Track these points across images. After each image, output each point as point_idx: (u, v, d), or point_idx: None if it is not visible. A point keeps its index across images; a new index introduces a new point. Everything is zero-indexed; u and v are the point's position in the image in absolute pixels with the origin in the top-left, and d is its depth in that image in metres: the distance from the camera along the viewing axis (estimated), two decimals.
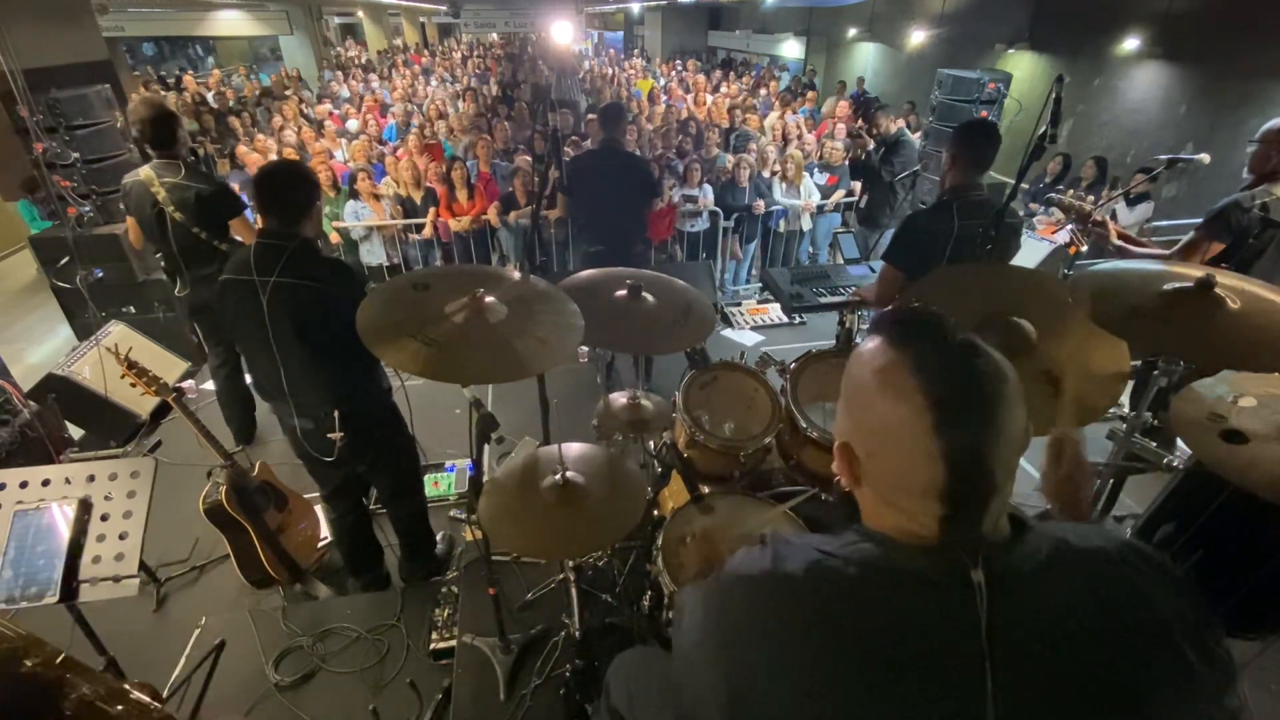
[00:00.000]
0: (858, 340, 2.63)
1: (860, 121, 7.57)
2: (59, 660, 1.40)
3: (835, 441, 0.78)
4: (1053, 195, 2.94)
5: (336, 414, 2.11)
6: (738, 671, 0.71)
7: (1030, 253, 4.62)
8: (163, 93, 9.76)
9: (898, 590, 0.69)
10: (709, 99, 9.26)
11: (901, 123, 6.62)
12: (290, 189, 2.02)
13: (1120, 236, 2.79)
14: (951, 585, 0.67)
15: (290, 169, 2.12)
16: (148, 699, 1.66)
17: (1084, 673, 0.66)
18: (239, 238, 3.06)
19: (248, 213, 3.07)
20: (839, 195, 5.78)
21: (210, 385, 4.06)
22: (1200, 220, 2.57)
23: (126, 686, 1.74)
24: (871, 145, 6.24)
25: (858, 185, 5.87)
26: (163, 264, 3.14)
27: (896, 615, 0.68)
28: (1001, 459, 0.67)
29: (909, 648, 0.67)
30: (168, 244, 2.95)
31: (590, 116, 6.99)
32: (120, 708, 1.50)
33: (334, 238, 5.10)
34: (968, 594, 0.66)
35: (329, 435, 2.13)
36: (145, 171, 2.87)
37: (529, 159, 5.46)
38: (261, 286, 1.95)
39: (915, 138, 6.36)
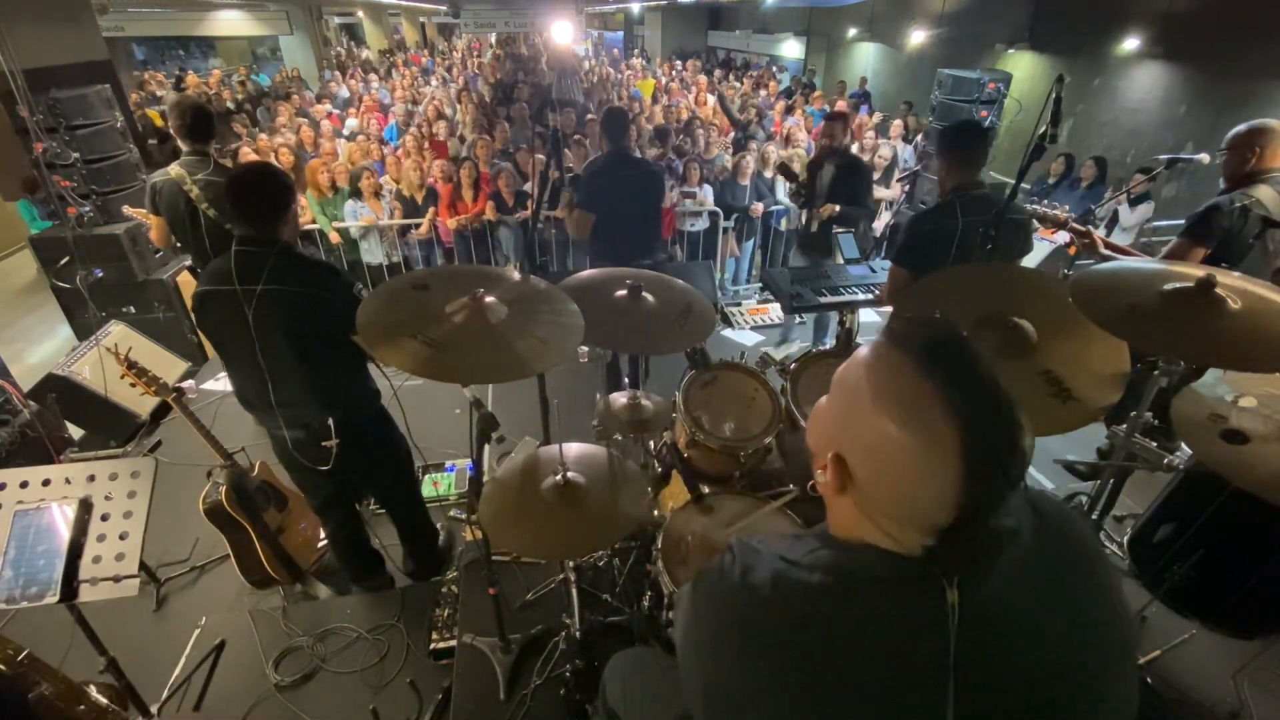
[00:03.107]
0: (859, 342, 2.63)
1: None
2: (20, 658, 1.39)
3: (822, 448, 0.74)
4: (1027, 205, 2.95)
5: (331, 422, 2.06)
6: (713, 677, 0.74)
7: (1030, 253, 4.61)
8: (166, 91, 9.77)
9: (864, 596, 0.69)
10: (711, 99, 9.26)
11: (894, 144, 6.37)
12: (264, 193, 1.92)
13: (1106, 244, 2.79)
14: (923, 600, 0.66)
15: (262, 172, 2.00)
16: (105, 701, 1.67)
17: (1055, 676, 0.68)
18: None
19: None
20: None
21: (211, 385, 4.08)
22: (1183, 226, 2.57)
23: (89, 687, 1.75)
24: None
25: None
26: (190, 262, 3.14)
27: (862, 622, 0.68)
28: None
29: (873, 656, 0.67)
30: (200, 240, 2.96)
31: (590, 117, 6.98)
32: (80, 707, 1.50)
33: (334, 238, 5.10)
34: (939, 612, 0.65)
35: (323, 444, 2.08)
36: (175, 169, 2.88)
37: (509, 166, 5.44)
38: (246, 296, 1.87)
39: (893, 145, 6.14)
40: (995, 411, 0.63)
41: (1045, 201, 2.88)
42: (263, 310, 1.89)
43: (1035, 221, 2.83)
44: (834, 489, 0.72)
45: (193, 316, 2.04)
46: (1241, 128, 2.48)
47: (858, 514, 0.71)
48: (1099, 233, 2.90)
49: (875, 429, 0.67)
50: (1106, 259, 2.74)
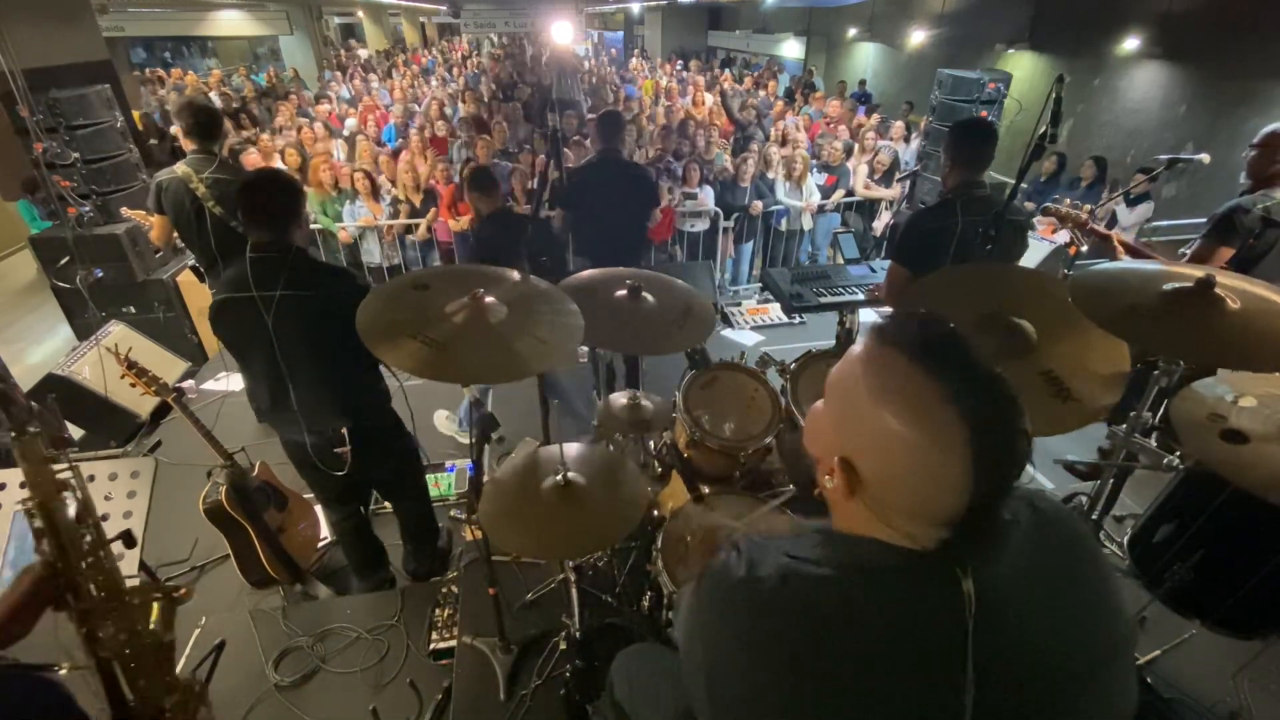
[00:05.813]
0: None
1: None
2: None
3: (826, 453, 0.73)
4: (1049, 205, 2.91)
5: (345, 430, 2.09)
6: (719, 672, 0.73)
7: (1030, 253, 4.61)
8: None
9: (876, 587, 0.69)
10: (708, 99, 9.26)
11: (893, 145, 6.33)
12: (278, 199, 1.95)
13: (1125, 248, 2.75)
14: (937, 589, 0.67)
15: (274, 178, 2.05)
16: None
17: (1060, 666, 0.69)
18: None
19: None
20: (839, 195, 5.79)
21: (211, 385, 4.09)
22: (1205, 227, 2.55)
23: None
24: None
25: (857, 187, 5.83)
26: (194, 262, 3.17)
27: (875, 613, 0.68)
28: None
29: (888, 645, 0.67)
30: (206, 239, 2.96)
31: (590, 117, 6.96)
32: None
33: (344, 236, 5.09)
34: (954, 601, 0.66)
35: (336, 450, 2.12)
36: (182, 168, 2.88)
37: (530, 159, 5.45)
38: (265, 302, 1.90)
39: (893, 148, 6.12)
40: (995, 398, 0.65)
41: (1069, 201, 2.84)
42: (282, 315, 1.92)
43: (1034, 221, 2.81)
44: (843, 493, 0.71)
45: (210, 325, 2.04)
46: (1276, 126, 2.46)
47: (869, 515, 0.71)
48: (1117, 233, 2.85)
49: (881, 429, 0.67)
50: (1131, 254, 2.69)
